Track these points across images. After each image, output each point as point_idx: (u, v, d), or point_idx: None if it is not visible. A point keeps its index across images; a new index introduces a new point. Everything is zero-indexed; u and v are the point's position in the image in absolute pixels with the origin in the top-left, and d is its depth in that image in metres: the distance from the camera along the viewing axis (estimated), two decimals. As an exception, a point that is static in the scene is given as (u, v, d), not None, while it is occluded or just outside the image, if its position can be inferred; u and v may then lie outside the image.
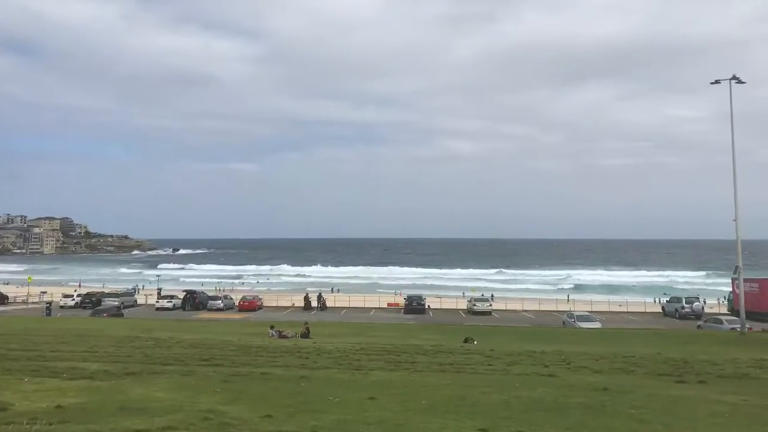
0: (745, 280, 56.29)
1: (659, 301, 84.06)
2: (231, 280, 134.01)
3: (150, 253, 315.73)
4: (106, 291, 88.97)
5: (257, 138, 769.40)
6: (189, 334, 38.74)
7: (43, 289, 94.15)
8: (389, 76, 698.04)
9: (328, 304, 79.33)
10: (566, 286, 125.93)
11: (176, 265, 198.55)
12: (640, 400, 15.90)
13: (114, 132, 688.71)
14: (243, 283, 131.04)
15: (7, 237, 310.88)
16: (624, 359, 26.39)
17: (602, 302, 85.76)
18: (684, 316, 68.01)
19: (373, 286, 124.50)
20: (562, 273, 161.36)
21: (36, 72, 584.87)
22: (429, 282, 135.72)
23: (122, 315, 65.08)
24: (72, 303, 78.29)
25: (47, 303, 74.18)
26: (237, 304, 77.25)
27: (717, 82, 48.22)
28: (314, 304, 77.63)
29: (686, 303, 70.69)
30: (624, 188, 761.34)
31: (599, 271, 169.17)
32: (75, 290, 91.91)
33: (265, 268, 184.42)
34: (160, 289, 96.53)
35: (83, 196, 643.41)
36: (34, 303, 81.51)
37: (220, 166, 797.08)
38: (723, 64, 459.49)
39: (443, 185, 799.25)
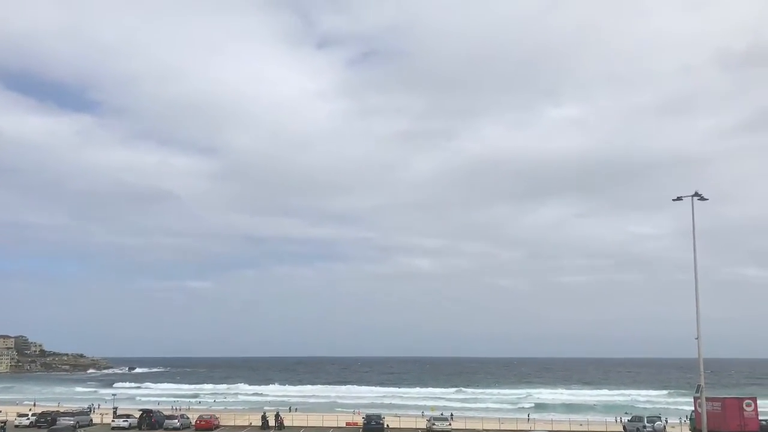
0: (708, 399, 57.12)
1: (620, 421, 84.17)
2: (188, 399, 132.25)
3: (106, 371, 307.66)
4: (62, 410, 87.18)
5: (213, 255, 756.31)
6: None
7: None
8: (347, 192, 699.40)
9: (286, 423, 78.70)
10: (526, 405, 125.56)
11: (132, 384, 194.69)
12: None
13: (69, 248, 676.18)
14: (200, 402, 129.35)
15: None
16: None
17: (563, 421, 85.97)
18: (645, 436, 68.20)
19: (331, 405, 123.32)
20: (522, 392, 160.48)
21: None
22: (388, 401, 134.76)
23: (78, 434, 64.00)
24: (27, 422, 76.96)
25: (2, 422, 73.18)
26: (194, 423, 76.08)
27: (679, 198, 49.40)
28: (272, 423, 77.05)
29: (648, 422, 70.79)
30: (584, 306, 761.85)
31: (560, 390, 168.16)
32: (30, 409, 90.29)
33: (222, 387, 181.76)
34: (115, 408, 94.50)
35: (38, 314, 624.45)
36: (-13, 422, 79.59)
37: (176, 283, 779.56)
38: (685, 181, 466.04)
39: (402, 303, 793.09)
